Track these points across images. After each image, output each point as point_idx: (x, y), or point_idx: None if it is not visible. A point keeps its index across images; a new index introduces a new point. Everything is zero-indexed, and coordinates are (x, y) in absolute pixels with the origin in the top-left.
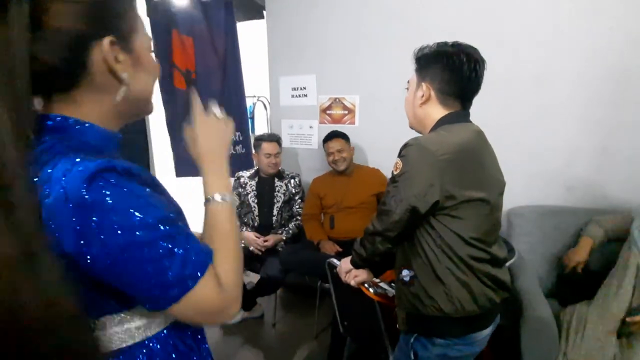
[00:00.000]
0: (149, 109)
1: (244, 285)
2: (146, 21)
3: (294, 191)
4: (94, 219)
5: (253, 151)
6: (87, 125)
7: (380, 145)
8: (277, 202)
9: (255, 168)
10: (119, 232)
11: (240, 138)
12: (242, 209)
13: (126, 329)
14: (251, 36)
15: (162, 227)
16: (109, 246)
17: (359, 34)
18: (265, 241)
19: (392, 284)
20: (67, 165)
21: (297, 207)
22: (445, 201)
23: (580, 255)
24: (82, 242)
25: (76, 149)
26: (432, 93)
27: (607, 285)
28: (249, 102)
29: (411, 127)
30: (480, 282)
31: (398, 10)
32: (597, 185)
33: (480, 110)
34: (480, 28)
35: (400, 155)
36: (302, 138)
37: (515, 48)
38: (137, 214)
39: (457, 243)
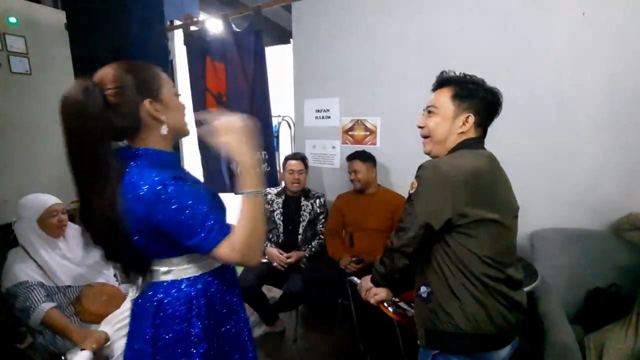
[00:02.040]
0: (186, 132)
1: (267, 300)
2: (183, 49)
3: (318, 211)
4: (164, 202)
5: (280, 170)
6: (156, 150)
7: (401, 166)
8: (303, 221)
9: (282, 186)
10: (177, 209)
11: (267, 156)
12: (268, 225)
13: (180, 269)
14: (278, 59)
15: (200, 207)
16: (171, 216)
17: (382, 58)
18: (288, 258)
19: (412, 304)
20: (152, 175)
21: (320, 226)
22: (457, 219)
23: None
24: (159, 215)
25: (154, 164)
26: (473, 124)
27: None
28: (274, 122)
29: (427, 153)
30: (495, 300)
31: (418, 37)
32: (624, 209)
33: (504, 132)
34: (502, 51)
35: (416, 176)
36: (325, 158)
37: (539, 71)
38: (187, 200)
39: (471, 261)
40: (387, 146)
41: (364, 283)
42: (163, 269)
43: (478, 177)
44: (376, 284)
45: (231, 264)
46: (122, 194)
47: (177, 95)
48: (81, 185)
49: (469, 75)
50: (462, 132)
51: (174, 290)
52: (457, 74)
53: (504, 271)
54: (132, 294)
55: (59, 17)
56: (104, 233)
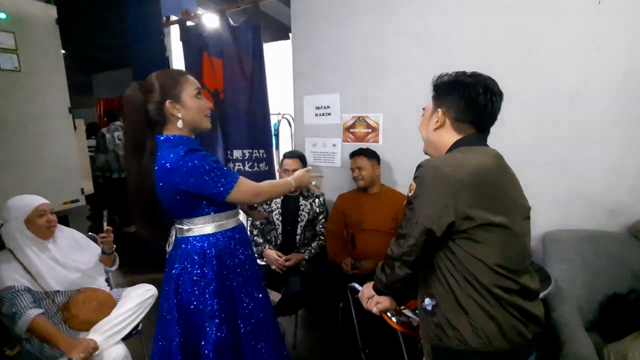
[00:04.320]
0: (202, 127)
1: None
2: (180, 45)
3: (318, 210)
4: (185, 166)
5: (279, 169)
6: (177, 136)
7: (405, 165)
8: (302, 221)
9: None
10: (197, 169)
11: (265, 155)
12: (266, 226)
13: (199, 227)
14: (277, 55)
15: (215, 165)
16: (193, 176)
17: (383, 53)
18: (287, 260)
19: (417, 311)
20: (175, 150)
21: (320, 226)
22: (461, 223)
23: None
24: (183, 177)
25: (176, 145)
26: (447, 120)
27: None
28: (273, 120)
29: (425, 152)
30: (508, 314)
31: (422, 31)
32: None
33: (514, 128)
34: (512, 45)
35: (414, 177)
36: (326, 156)
37: (549, 65)
38: (204, 162)
39: (480, 270)
40: (390, 144)
41: (366, 290)
42: (186, 227)
43: (482, 176)
44: (378, 292)
45: (243, 202)
46: (155, 167)
47: (197, 96)
48: (129, 160)
49: (458, 71)
50: (436, 129)
51: (193, 244)
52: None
53: (517, 280)
54: (168, 248)
55: (50, 12)
56: (136, 200)
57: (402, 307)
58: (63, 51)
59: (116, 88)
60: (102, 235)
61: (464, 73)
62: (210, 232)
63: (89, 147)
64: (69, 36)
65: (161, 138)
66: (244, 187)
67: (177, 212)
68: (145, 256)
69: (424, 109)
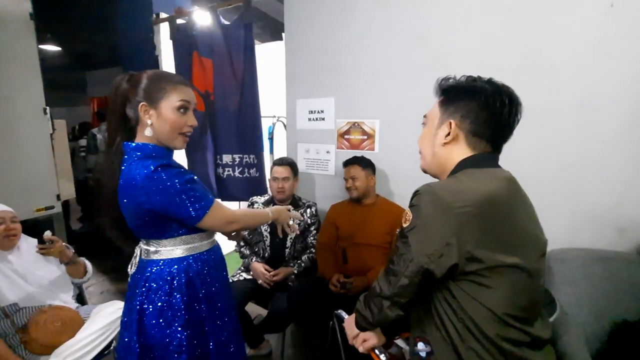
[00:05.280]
0: (173, 145)
1: (251, 320)
2: (169, 44)
3: (309, 221)
4: (155, 185)
5: (269, 176)
6: (150, 146)
7: (402, 174)
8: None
9: (271, 194)
10: (166, 189)
11: (255, 161)
12: (254, 237)
13: (167, 250)
14: (273, 56)
15: (188, 186)
16: (163, 195)
17: (380, 56)
18: (274, 275)
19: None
20: (144, 163)
21: (311, 238)
22: (466, 265)
23: None
24: (152, 197)
25: (147, 157)
26: (461, 133)
27: None
28: (269, 123)
29: (424, 170)
30: None
31: (422, 33)
32: None
33: (515, 139)
34: (516, 50)
35: (410, 205)
36: (319, 163)
37: (555, 71)
38: (175, 181)
39: (485, 319)
40: (386, 152)
41: (350, 326)
42: (152, 248)
43: (492, 206)
44: (362, 329)
45: (215, 230)
46: (120, 181)
47: (180, 110)
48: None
49: (469, 76)
50: (446, 144)
51: (160, 268)
52: (459, 77)
53: (528, 331)
54: (130, 270)
55: (24, 5)
56: (100, 198)
57: (393, 340)
58: (58, 48)
59: (110, 86)
60: (40, 246)
61: (479, 78)
62: (181, 256)
63: (80, 147)
64: (63, 32)
65: (132, 145)
66: (219, 214)
67: (144, 232)
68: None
69: (425, 116)
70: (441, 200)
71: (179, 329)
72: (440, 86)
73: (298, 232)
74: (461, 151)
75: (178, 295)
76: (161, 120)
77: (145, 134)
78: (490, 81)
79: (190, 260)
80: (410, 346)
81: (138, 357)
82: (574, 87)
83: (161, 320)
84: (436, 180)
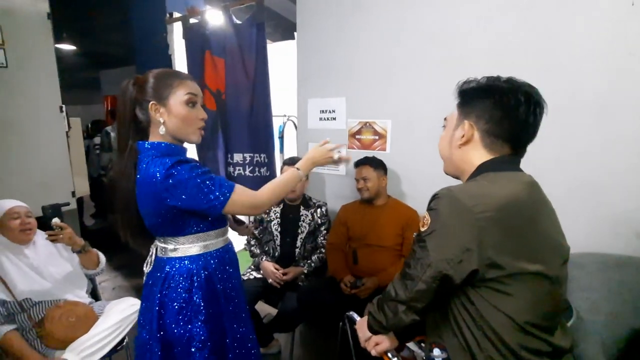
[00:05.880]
0: (189, 139)
1: (261, 319)
2: (182, 43)
3: (319, 221)
4: (175, 179)
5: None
6: (163, 144)
7: (413, 174)
8: (302, 232)
9: None
10: (186, 182)
11: (266, 160)
12: (264, 236)
13: (185, 248)
14: (284, 55)
15: (204, 176)
16: (184, 190)
17: (393, 55)
18: (284, 274)
19: (422, 345)
20: (162, 161)
21: (321, 238)
22: (487, 271)
23: None
24: (173, 192)
25: (163, 155)
26: (477, 134)
27: None
28: (279, 122)
29: (446, 173)
30: None
31: (437, 32)
32: None
33: (532, 142)
34: (534, 49)
35: (429, 209)
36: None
37: (575, 71)
38: (193, 174)
39: (505, 327)
40: (398, 153)
41: (362, 328)
42: (170, 246)
43: (514, 212)
44: (374, 332)
45: (241, 214)
46: (137, 181)
47: (188, 103)
48: (118, 156)
49: (489, 76)
50: (462, 145)
51: (179, 266)
52: (480, 78)
53: (550, 341)
54: (146, 268)
55: (41, 5)
56: (116, 201)
57: (406, 344)
58: (73, 47)
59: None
60: (49, 233)
61: (498, 78)
62: (199, 253)
63: (94, 144)
64: (79, 31)
65: (146, 145)
66: (242, 199)
67: (162, 229)
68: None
69: (445, 119)
70: (461, 205)
71: (200, 324)
72: (459, 88)
73: (350, 158)
74: (478, 153)
75: (199, 292)
76: (172, 116)
77: (160, 133)
78: (509, 80)
79: (208, 257)
80: (425, 351)
81: (159, 354)
82: (595, 87)
83: (182, 317)
84: (457, 182)
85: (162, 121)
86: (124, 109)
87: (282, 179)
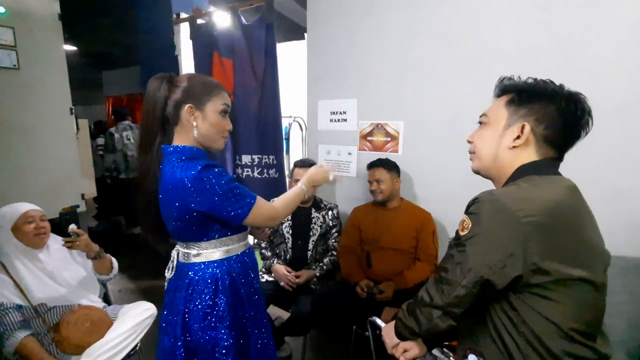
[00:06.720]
0: (216, 147)
1: (272, 322)
2: (188, 44)
3: (331, 223)
4: (203, 185)
5: (289, 178)
6: (188, 147)
7: (426, 177)
8: (314, 234)
9: None
10: (213, 188)
11: (275, 162)
12: (276, 239)
13: (209, 252)
14: (291, 56)
15: (231, 184)
16: (211, 196)
17: (406, 56)
18: (297, 277)
19: (445, 350)
20: (189, 165)
21: (333, 240)
22: (531, 277)
23: None
24: (197, 196)
25: (191, 158)
26: (533, 137)
27: None
28: (285, 123)
29: (476, 172)
30: None
31: (451, 33)
32: None
33: None
34: (551, 46)
35: (468, 212)
36: (340, 165)
37: (595, 71)
38: (222, 181)
39: (550, 334)
40: (410, 155)
41: (389, 335)
42: (193, 252)
43: (559, 216)
44: (403, 339)
45: (258, 225)
46: (161, 184)
47: (222, 113)
48: (139, 157)
49: (541, 79)
50: (515, 147)
51: (202, 271)
52: (522, 79)
53: (593, 347)
54: (168, 274)
55: (53, 6)
56: (140, 202)
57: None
58: (74, 47)
59: (125, 86)
60: (66, 240)
61: (551, 82)
62: (222, 257)
63: (98, 145)
64: (81, 32)
65: (170, 148)
66: (262, 211)
67: (184, 234)
68: (153, 259)
69: (485, 115)
70: (505, 209)
71: (225, 330)
72: (504, 85)
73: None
74: (528, 156)
75: (223, 297)
76: (206, 122)
77: (193, 135)
78: (562, 87)
79: (232, 262)
80: (459, 357)
81: None
82: (615, 89)
83: (207, 323)
84: (476, 183)
85: (195, 125)
86: (155, 106)
87: (291, 195)
